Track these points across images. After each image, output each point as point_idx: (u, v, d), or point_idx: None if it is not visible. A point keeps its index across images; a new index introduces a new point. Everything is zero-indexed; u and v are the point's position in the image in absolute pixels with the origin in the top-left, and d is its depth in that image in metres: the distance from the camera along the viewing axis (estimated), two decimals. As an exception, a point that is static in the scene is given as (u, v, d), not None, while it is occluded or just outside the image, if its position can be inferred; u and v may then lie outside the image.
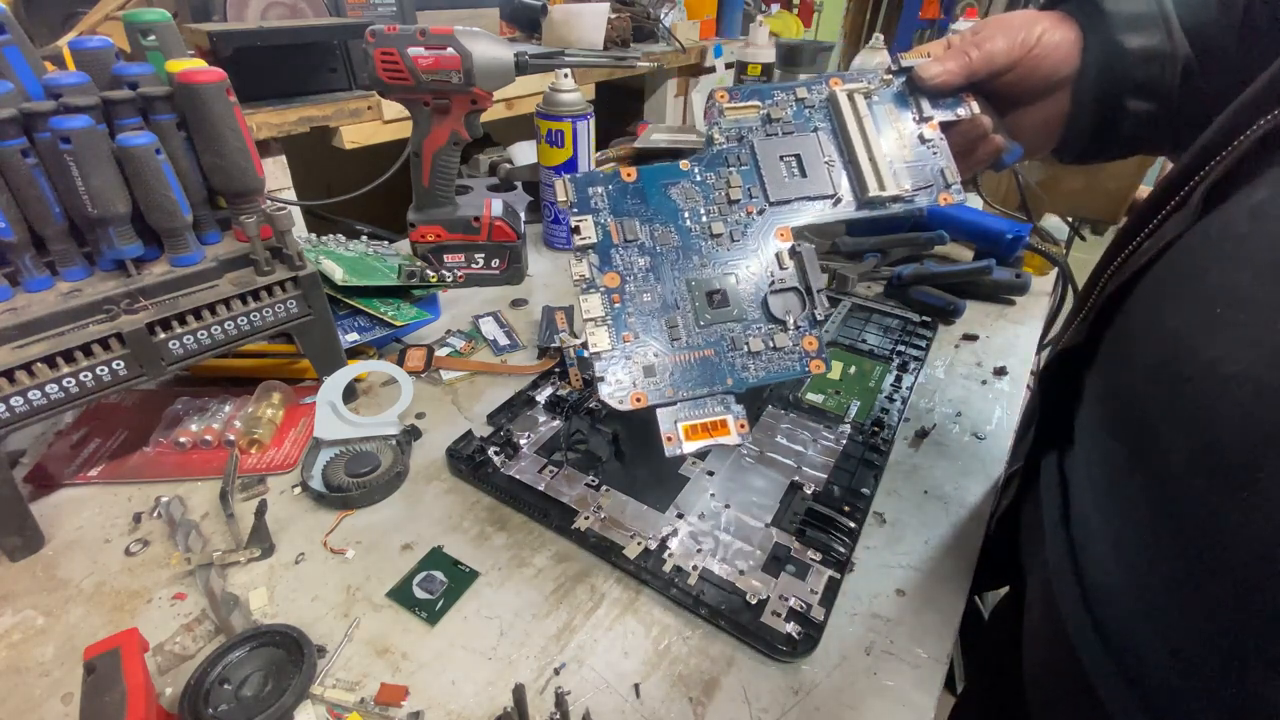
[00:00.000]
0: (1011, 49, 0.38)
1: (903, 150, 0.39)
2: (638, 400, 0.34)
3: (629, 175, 0.38)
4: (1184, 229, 0.28)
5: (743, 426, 0.34)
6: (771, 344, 0.36)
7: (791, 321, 0.36)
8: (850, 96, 0.39)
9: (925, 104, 0.40)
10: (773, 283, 0.36)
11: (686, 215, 0.38)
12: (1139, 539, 0.27)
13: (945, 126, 0.40)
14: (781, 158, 0.39)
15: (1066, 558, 0.32)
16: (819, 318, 0.36)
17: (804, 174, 0.38)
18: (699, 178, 0.38)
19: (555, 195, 0.37)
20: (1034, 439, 0.41)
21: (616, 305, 0.35)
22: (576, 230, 0.36)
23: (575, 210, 0.36)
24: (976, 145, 0.40)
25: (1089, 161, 0.43)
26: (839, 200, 0.38)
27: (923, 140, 0.39)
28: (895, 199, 0.38)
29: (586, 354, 0.36)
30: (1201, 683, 0.24)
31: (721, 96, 0.40)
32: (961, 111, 0.40)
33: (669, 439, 0.34)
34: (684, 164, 0.39)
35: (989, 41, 0.38)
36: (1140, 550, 0.27)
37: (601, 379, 0.34)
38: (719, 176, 0.38)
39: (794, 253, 0.37)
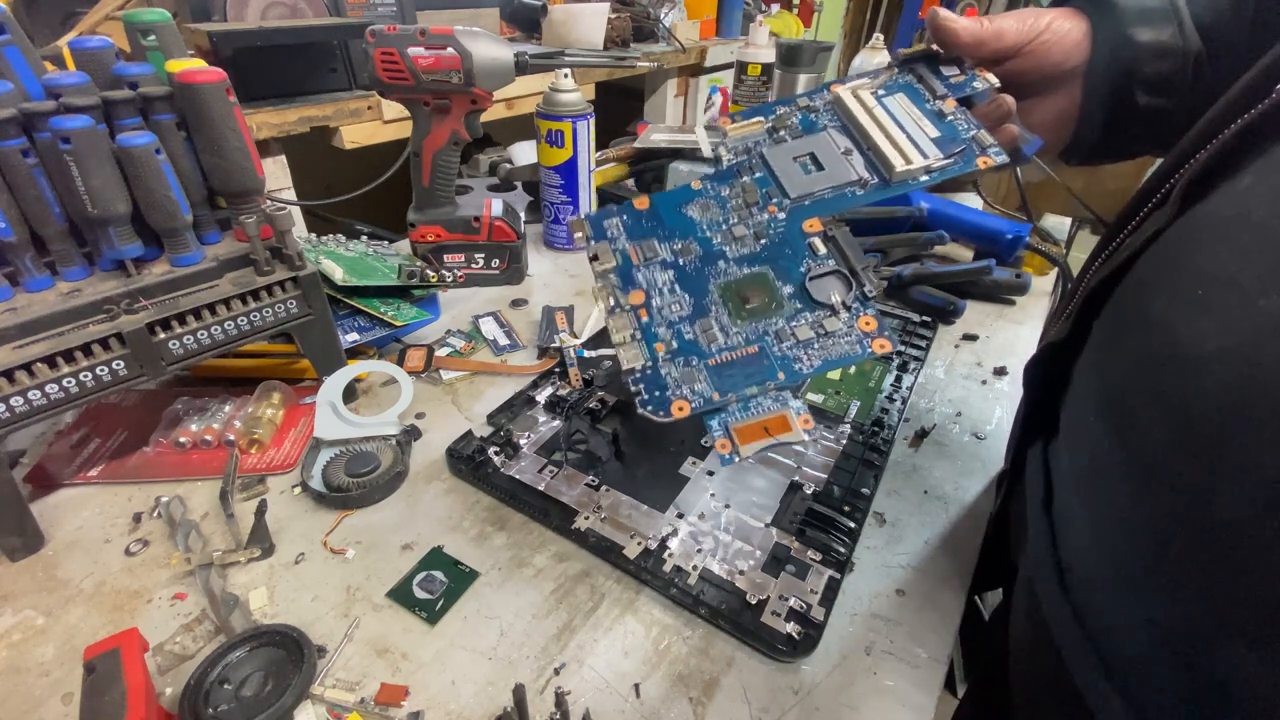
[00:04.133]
0: (1021, 30, 0.38)
1: (923, 128, 0.38)
2: (680, 410, 0.32)
3: (641, 204, 0.37)
4: (1164, 225, 0.29)
5: (806, 422, 0.31)
6: (822, 330, 0.33)
7: (839, 303, 0.34)
8: (855, 93, 0.39)
9: (938, 85, 0.39)
10: (808, 270, 0.35)
11: (705, 227, 0.37)
12: (1118, 519, 0.27)
13: (964, 104, 0.39)
14: (795, 159, 0.38)
15: (1047, 544, 0.33)
16: (870, 294, 0.34)
17: (821, 168, 0.37)
18: (713, 192, 0.38)
19: (572, 236, 0.37)
20: (1020, 432, 0.41)
21: (644, 319, 0.34)
22: (595, 258, 0.35)
23: (594, 242, 0.36)
24: (996, 129, 0.40)
25: (1098, 161, 0.43)
26: (865, 184, 0.37)
27: (943, 116, 0.38)
28: (926, 170, 0.36)
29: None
30: (1172, 656, 0.25)
31: (724, 122, 0.39)
32: (978, 84, 0.39)
33: (723, 446, 0.31)
34: (695, 184, 0.38)
35: (999, 19, 0.39)
36: (1119, 530, 0.27)
37: (638, 393, 0.33)
38: (733, 188, 0.38)
39: (828, 238, 0.35)
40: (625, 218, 0.37)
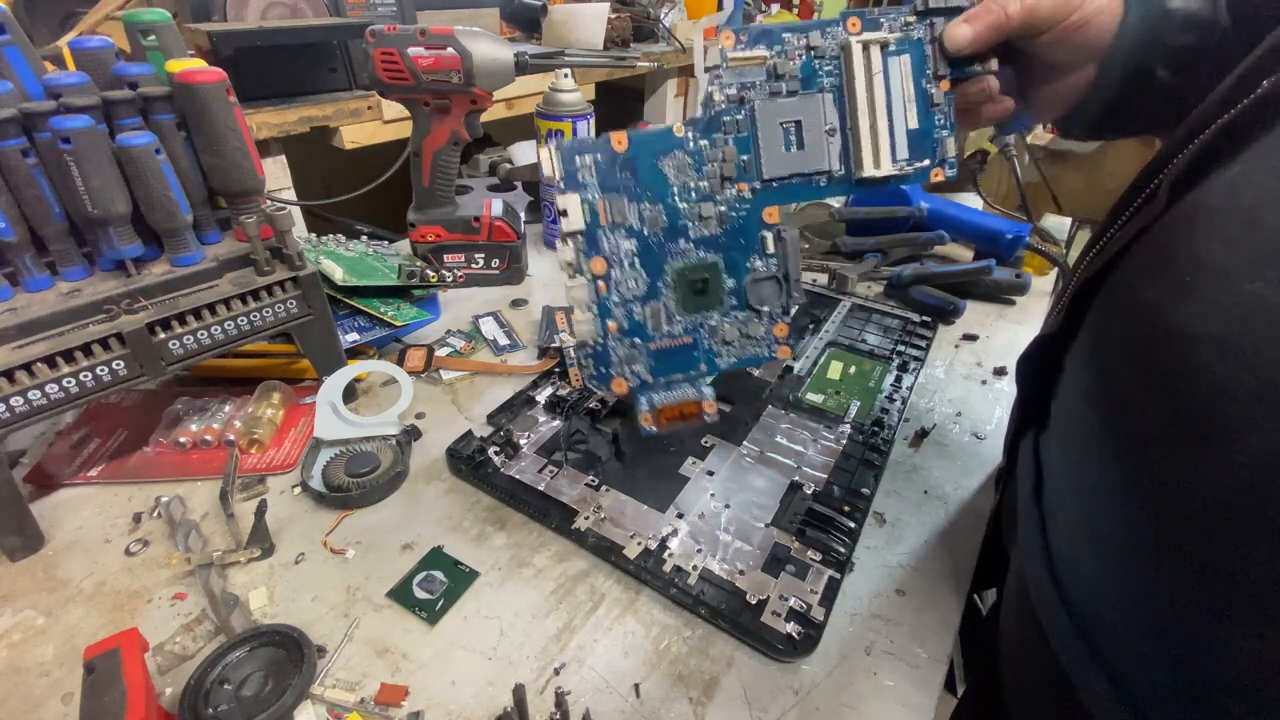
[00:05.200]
0: (1056, 7, 0.36)
1: (907, 115, 0.38)
2: (619, 387, 0.36)
3: (619, 144, 0.36)
4: (1152, 219, 0.29)
5: (710, 407, 0.37)
6: (744, 331, 0.37)
7: (767, 311, 0.37)
8: (865, 49, 0.38)
9: (943, 59, 0.39)
10: (753, 272, 0.37)
11: (676, 191, 0.37)
12: (1107, 504, 0.28)
13: (957, 83, 0.39)
14: (781, 124, 0.38)
15: (1037, 533, 0.33)
16: (790, 308, 0.38)
17: (802, 145, 0.38)
18: (693, 145, 0.37)
19: (541, 167, 0.37)
20: (1014, 425, 0.41)
21: (603, 294, 0.36)
22: (564, 213, 0.35)
23: (563, 187, 0.36)
24: (982, 106, 0.40)
25: (1094, 137, 0.42)
26: (832, 176, 0.39)
27: (931, 102, 0.39)
28: (887, 179, 0.38)
29: (572, 340, 0.36)
30: (1158, 637, 0.25)
31: (728, 40, 0.38)
32: (978, 68, 0.39)
33: (646, 420, 0.36)
34: (678, 129, 0.37)
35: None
36: (1107, 515, 0.28)
37: (585, 367, 0.35)
38: (714, 145, 0.37)
39: (779, 238, 0.37)
40: (599, 156, 0.36)
